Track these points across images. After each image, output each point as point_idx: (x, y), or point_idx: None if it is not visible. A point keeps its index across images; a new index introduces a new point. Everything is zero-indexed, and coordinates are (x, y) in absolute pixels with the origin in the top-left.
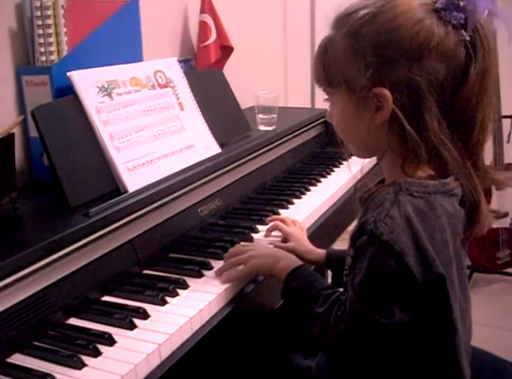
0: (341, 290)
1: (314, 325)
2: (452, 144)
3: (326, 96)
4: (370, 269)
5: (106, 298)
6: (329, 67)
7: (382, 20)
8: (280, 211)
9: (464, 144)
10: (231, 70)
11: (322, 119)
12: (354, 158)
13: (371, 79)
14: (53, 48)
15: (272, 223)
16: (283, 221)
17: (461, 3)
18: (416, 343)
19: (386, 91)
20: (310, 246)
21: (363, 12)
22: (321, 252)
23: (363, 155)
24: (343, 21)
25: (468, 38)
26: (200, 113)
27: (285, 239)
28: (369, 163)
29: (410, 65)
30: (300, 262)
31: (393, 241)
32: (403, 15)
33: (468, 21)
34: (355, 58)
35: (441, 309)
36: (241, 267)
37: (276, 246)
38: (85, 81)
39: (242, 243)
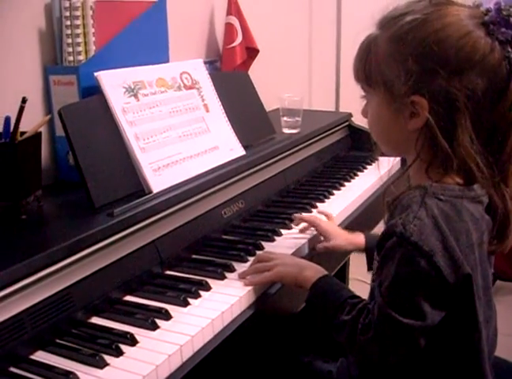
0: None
1: (340, 334)
2: (482, 159)
3: (363, 93)
4: (399, 271)
5: (128, 298)
6: (369, 67)
7: (428, 29)
8: (304, 214)
9: (496, 159)
10: (257, 72)
11: (346, 123)
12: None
13: (411, 86)
14: (81, 48)
15: (305, 219)
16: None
17: (511, 19)
18: (441, 347)
19: (424, 101)
20: (348, 237)
21: (410, 17)
22: (360, 240)
23: (393, 154)
24: (389, 23)
25: None
26: (225, 115)
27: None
28: (396, 165)
29: (451, 78)
30: (325, 272)
31: (422, 242)
32: (451, 26)
33: None
34: (397, 63)
35: (467, 310)
36: (265, 273)
37: (322, 248)
38: (112, 82)
39: (267, 250)
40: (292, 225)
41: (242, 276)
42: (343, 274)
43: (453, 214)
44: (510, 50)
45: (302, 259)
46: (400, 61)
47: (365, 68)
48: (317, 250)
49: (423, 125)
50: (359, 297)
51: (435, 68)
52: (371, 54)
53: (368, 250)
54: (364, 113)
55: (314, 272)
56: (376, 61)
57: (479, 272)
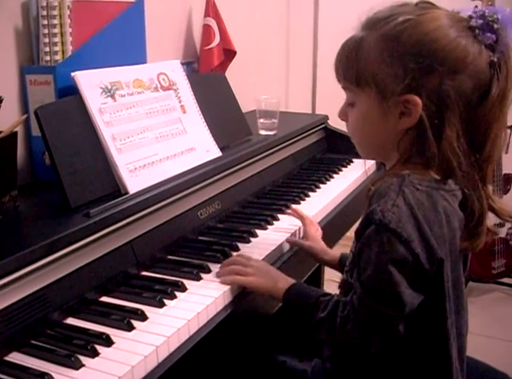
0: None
1: (320, 331)
2: (465, 157)
3: (345, 95)
4: (379, 258)
5: (104, 299)
6: (358, 66)
7: (423, 29)
8: (279, 216)
9: (476, 158)
10: (234, 74)
11: (323, 125)
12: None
13: (407, 85)
14: (58, 48)
15: (299, 213)
16: (303, 218)
17: (495, 25)
18: (412, 333)
19: (418, 99)
20: (325, 247)
21: (402, 18)
22: (336, 253)
23: (371, 157)
24: (379, 24)
25: (495, 59)
26: (201, 116)
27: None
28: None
29: (446, 77)
30: (294, 281)
31: (401, 229)
32: (444, 28)
33: (498, 44)
34: (392, 62)
35: (437, 296)
36: (240, 277)
37: (292, 242)
38: (89, 82)
39: (243, 251)
40: (268, 226)
41: (218, 276)
42: (318, 275)
43: (428, 204)
44: (492, 54)
45: (273, 268)
46: (395, 61)
47: (353, 67)
48: (286, 241)
49: (411, 125)
50: (329, 293)
51: (433, 65)
52: (360, 54)
53: (341, 267)
54: (343, 115)
55: (286, 282)
56: (366, 60)
57: (449, 263)
